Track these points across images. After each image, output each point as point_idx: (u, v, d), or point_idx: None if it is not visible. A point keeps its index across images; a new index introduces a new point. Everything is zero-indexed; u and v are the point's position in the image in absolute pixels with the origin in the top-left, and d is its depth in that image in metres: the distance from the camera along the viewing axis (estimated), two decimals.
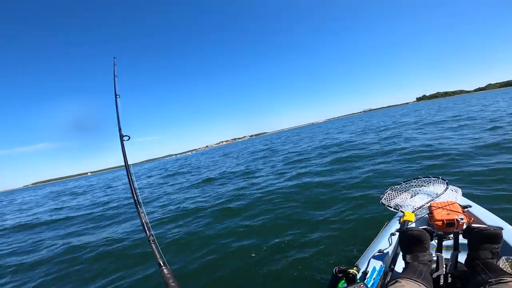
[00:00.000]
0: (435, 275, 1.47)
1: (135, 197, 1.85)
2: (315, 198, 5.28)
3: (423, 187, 2.66)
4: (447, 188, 2.44)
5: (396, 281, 1.34)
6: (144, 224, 1.67)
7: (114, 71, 2.44)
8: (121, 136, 2.11)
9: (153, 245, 1.54)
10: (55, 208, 11.57)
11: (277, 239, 3.69)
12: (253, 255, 3.38)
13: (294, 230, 3.90)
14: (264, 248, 3.50)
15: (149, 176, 19.95)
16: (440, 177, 2.66)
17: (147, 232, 1.63)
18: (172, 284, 1.32)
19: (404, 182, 2.83)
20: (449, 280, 1.48)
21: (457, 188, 2.55)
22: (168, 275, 1.34)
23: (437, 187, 2.55)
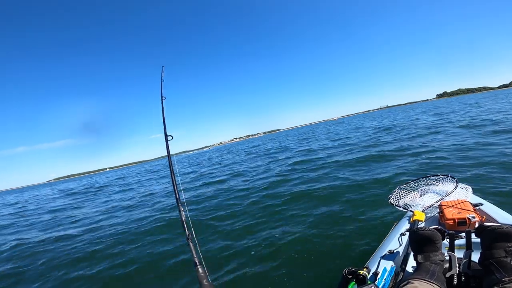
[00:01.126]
0: (448, 274, 1.46)
1: (177, 194, 1.90)
2: (323, 198, 5.28)
3: (432, 186, 2.63)
4: (456, 186, 2.41)
5: (408, 282, 1.33)
6: (184, 222, 1.70)
7: (161, 75, 2.62)
8: (166, 136, 2.24)
9: (191, 243, 1.55)
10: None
11: (285, 239, 3.71)
12: (259, 254, 3.43)
13: (302, 230, 3.92)
14: (272, 248, 3.53)
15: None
16: (449, 175, 2.62)
17: (186, 230, 1.65)
18: (206, 283, 1.33)
19: (412, 181, 2.80)
20: (463, 279, 1.47)
21: (467, 186, 2.50)
22: (203, 275, 1.36)
23: (446, 186, 2.51)
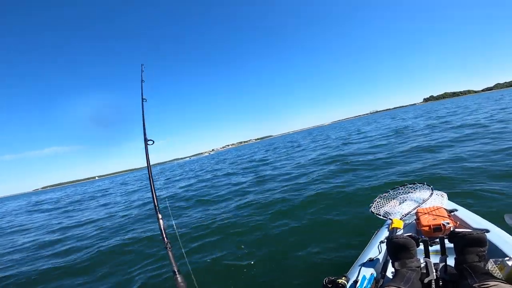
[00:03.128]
0: (426, 280, 1.50)
1: (155, 203, 1.88)
2: (305, 206, 5.33)
3: (409, 194, 2.71)
4: (432, 193, 2.50)
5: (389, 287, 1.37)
6: (163, 231, 1.71)
7: (141, 76, 2.50)
8: (146, 140, 2.15)
9: (169, 252, 1.58)
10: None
11: (266, 249, 3.74)
12: (241, 264, 3.44)
13: (282, 240, 3.95)
14: (254, 257, 3.55)
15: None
16: (424, 183, 2.71)
17: (165, 239, 1.67)
18: None
19: (391, 190, 2.89)
20: (440, 284, 1.51)
21: (443, 193, 2.59)
22: (182, 283, 1.41)
23: (423, 193, 2.60)
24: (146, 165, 2.12)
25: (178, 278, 1.43)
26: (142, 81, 2.48)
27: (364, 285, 1.63)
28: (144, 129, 2.22)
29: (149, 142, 2.15)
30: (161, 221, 1.77)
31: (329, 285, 1.58)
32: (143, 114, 2.31)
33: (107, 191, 20.87)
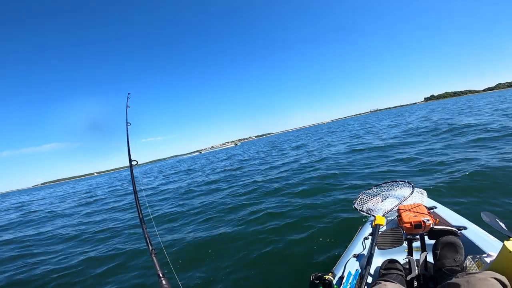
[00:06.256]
0: (409, 277, 1.56)
1: (140, 214, 1.98)
2: (289, 204, 5.34)
3: (392, 191, 2.74)
4: (413, 191, 2.54)
5: (376, 283, 1.43)
6: (147, 238, 1.78)
7: (126, 103, 2.63)
8: (130, 161, 2.31)
9: (154, 258, 1.63)
10: None
11: (252, 246, 3.74)
12: (229, 263, 3.44)
13: (269, 237, 3.97)
14: (241, 255, 3.56)
15: None
16: (406, 180, 2.75)
17: (150, 246, 1.73)
18: None
19: (374, 186, 2.93)
20: (422, 281, 1.57)
21: (423, 190, 2.62)
22: (166, 286, 1.46)
23: (404, 190, 2.63)
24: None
25: (163, 281, 1.47)
26: (127, 106, 2.61)
27: (350, 280, 1.67)
28: (129, 151, 2.37)
29: (133, 163, 2.30)
30: (145, 229, 1.84)
31: (316, 281, 1.62)
32: (127, 139, 2.46)
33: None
